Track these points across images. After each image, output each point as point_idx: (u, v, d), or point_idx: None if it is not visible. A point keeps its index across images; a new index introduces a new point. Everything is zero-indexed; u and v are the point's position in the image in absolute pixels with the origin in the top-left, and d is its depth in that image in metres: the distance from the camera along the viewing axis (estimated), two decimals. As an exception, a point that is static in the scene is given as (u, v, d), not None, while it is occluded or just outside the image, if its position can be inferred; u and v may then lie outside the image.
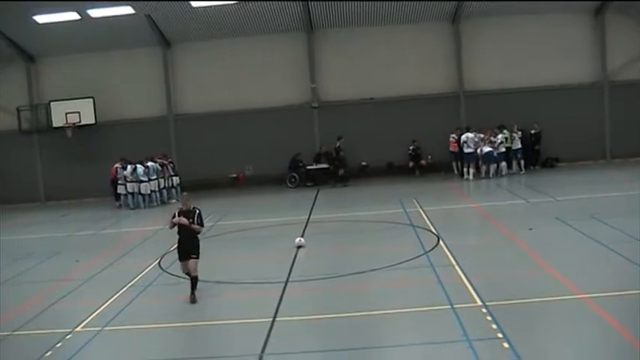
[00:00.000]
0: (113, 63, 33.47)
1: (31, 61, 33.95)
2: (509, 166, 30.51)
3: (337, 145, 31.65)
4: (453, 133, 31.12)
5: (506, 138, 30.10)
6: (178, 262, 13.98)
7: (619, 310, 10.93)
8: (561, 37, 32.02)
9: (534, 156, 32.08)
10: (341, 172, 31.67)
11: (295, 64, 33.38)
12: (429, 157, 32.78)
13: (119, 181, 29.33)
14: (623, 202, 20.96)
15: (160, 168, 29.81)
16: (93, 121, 32.79)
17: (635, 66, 31.67)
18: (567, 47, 32.14)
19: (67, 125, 32.68)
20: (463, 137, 30.21)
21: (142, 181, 28.98)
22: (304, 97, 33.44)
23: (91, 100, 32.63)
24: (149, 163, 29.38)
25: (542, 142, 31.78)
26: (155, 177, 29.49)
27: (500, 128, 30.41)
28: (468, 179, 29.78)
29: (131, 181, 28.87)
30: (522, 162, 30.69)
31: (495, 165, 29.80)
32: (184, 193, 14.58)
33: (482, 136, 29.96)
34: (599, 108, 32.49)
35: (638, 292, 11.84)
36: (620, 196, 22.30)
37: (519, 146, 30.52)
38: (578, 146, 31.94)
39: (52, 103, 32.96)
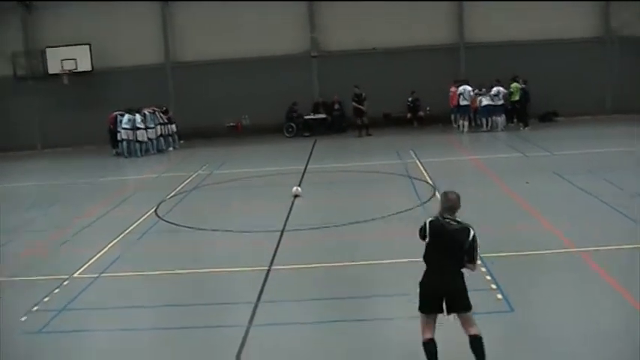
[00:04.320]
0: (110, 9, 32.94)
1: (26, 6, 33.51)
2: (511, 120, 30.33)
3: (361, 92, 30.57)
4: (452, 86, 30.91)
5: (511, 92, 29.73)
6: (420, 315, 7.66)
7: (612, 264, 11.02)
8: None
9: (517, 114, 30.33)
10: (364, 120, 30.85)
11: (295, 12, 33.02)
12: (428, 108, 32.67)
13: (118, 129, 29.25)
14: (620, 158, 20.98)
15: (158, 116, 29.79)
16: (89, 68, 32.54)
17: (638, 22, 31.31)
18: (572, 1, 31.75)
19: (63, 72, 32.44)
20: (460, 89, 30.08)
21: (139, 129, 28.93)
22: (304, 47, 33.17)
23: (88, 46, 32.33)
24: (146, 111, 29.31)
25: (531, 99, 30.20)
26: (153, 125, 29.45)
27: (512, 80, 29.90)
28: (463, 132, 29.76)
29: (128, 129, 28.79)
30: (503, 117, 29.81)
31: (493, 118, 29.67)
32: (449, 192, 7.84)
33: (469, 88, 29.80)
34: (600, 63, 32.19)
35: (632, 246, 11.93)
36: (618, 151, 22.28)
37: (501, 103, 29.62)
38: (578, 101, 31.71)
39: (47, 50, 32.64)
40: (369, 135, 30.51)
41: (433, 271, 7.54)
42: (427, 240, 7.59)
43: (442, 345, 7.55)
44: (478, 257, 7.61)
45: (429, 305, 7.56)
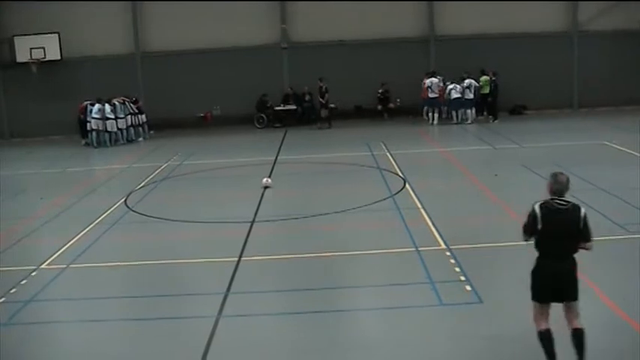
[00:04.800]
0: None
1: (-7, -6, 33.05)
2: (481, 113, 30.49)
3: (323, 86, 30.49)
4: (424, 79, 30.96)
5: (481, 86, 29.86)
6: (534, 304, 7.66)
7: (579, 256, 11.15)
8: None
9: (487, 107, 30.38)
10: (322, 113, 31.00)
11: (266, 3, 32.87)
12: (398, 100, 32.72)
13: (88, 119, 28.96)
14: (587, 151, 21.28)
15: (128, 106, 29.55)
16: (58, 57, 32.13)
17: (604, 17, 31.66)
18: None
19: (31, 61, 32.02)
20: (427, 82, 30.19)
21: (109, 119, 28.69)
22: (274, 38, 33.06)
23: (57, 35, 31.94)
24: (115, 101, 29.06)
25: (499, 92, 30.08)
26: (123, 115, 29.22)
27: (481, 73, 30.08)
28: (432, 124, 29.89)
29: (98, 119, 28.53)
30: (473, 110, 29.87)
31: (463, 111, 29.83)
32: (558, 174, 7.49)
33: (436, 80, 30.00)
34: (568, 57, 32.46)
35: (597, 239, 12.06)
36: (585, 144, 22.61)
37: (471, 96, 29.69)
38: (546, 95, 32.00)
39: (15, 38, 32.18)
40: (320, 129, 30.55)
41: (551, 257, 7.41)
42: (540, 227, 7.38)
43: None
44: (592, 235, 7.41)
45: (548, 293, 7.44)
